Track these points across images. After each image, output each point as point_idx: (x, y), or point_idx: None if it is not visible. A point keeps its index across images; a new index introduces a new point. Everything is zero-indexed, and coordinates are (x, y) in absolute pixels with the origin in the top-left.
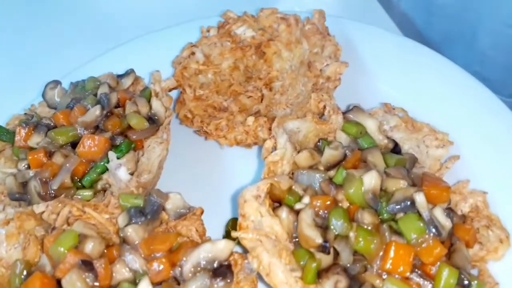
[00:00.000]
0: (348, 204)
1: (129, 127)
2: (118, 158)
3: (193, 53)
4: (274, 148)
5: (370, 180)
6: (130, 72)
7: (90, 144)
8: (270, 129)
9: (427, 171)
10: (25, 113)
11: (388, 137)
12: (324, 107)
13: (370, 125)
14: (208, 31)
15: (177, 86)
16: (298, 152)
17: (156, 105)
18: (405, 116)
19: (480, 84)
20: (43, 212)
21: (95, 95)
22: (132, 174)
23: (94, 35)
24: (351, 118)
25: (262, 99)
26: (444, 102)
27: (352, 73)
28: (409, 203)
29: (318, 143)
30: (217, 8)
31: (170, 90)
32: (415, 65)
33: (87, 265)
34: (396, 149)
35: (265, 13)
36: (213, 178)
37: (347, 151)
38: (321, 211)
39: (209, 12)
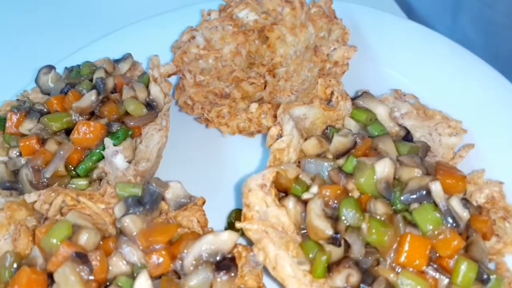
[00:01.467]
0: (359, 194)
1: (126, 114)
2: (114, 145)
3: (193, 37)
4: (280, 135)
5: (383, 169)
6: (127, 56)
7: (85, 131)
8: (274, 116)
9: (440, 160)
10: (17, 99)
11: (399, 125)
12: (332, 93)
13: (381, 112)
14: (209, 14)
15: (176, 72)
16: (305, 139)
17: (155, 90)
18: (416, 102)
19: (493, 70)
20: (35, 202)
21: (91, 80)
22: (129, 162)
23: (90, 19)
24: (360, 105)
25: (265, 86)
26: (456, 88)
27: (359, 58)
28: (424, 192)
29: (326, 130)
30: None
31: (169, 76)
32: (425, 50)
33: (81, 257)
34: (408, 137)
35: None
36: (214, 167)
37: (357, 138)
38: (330, 201)
39: None
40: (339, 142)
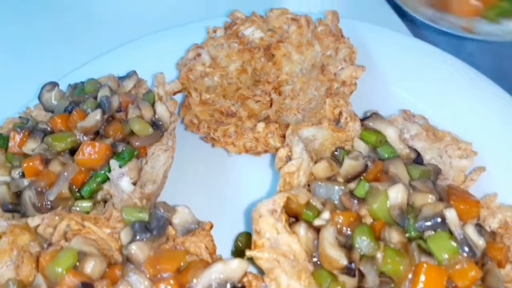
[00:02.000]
0: (371, 220)
1: (132, 133)
2: (120, 166)
3: (198, 55)
4: (288, 157)
5: (396, 194)
6: (132, 74)
7: (90, 151)
8: (282, 136)
9: (451, 184)
10: (20, 117)
11: (409, 147)
12: (340, 113)
13: (390, 134)
14: (214, 31)
15: (182, 90)
16: (315, 162)
17: (161, 109)
18: (425, 124)
19: (502, 91)
20: (38, 226)
21: (95, 98)
22: (135, 183)
23: (94, 35)
24: (369, 126)
25: (271, 104)
26: (464, 108)
27: (366, 77)
28: (439, 220)
29: (336, 152)
30: (223, 9)
31: (174, 94)
32: (433, 70)
33: (87, 287)
34: (418, 159)
35: (274, 13)
36: (220, 187)
37: (368, 161)
38: (344, 228)
39: (215, 13)
40: (350, 165)
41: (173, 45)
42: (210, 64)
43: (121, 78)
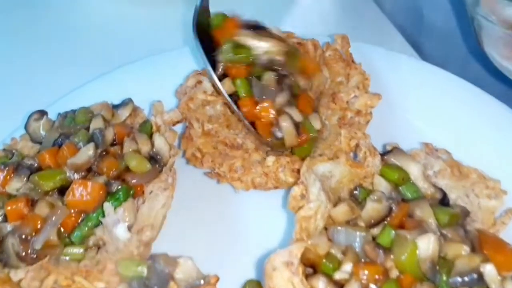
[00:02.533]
0: (398, 273)
1: (128, 169)
2: (115, 208)
3: (199, 82)
4: (302, 195)
5: (427, 246)
6: (127, 102)
7: (82, 192)
8: (293, 170)
9: (481, 228)
10: (4, 149)
11: (434, 185)
12: (357, 145)
13: (414, 171)
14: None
15: (181, 119)
16: (334, 203)
17: (159, 142)
18: (449, 159)
19: None
20: (22, 279)
21: (88, 129)
22: (131, 227)
23: (87, 58)
24: (390, 161)
25: None
26: (490, 143)
27: (379, 106)
28: (475, 275)
29: (355, 191)
30: None
31: (174, 124)
32: (451, 98)
33: None
34: (444, 200)
35: None
36: (226, 230)
37: (392, 204)
38: (370, 284)
39: None
40: (373, 209)
41: (172, 70)
42: (212, 92)
43: (116, 106)
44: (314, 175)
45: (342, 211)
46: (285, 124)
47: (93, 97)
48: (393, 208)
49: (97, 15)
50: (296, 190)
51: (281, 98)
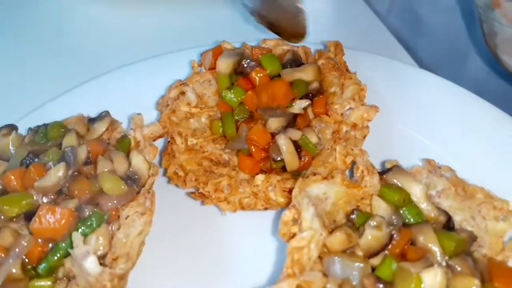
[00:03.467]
0: None
1: (102, 191)
2: (86, 235)
3: (182, 93)
4: (294, 220)
5: (433, 281)
6: (104, 115)
7: (49, 219)
8: (285, 190)
9: (489, 255)
10: None
11: (438, 207)
12: (353, 162)
13: (416, 191)
14: (200, 65)
15: (163, 134)
16: (330, 230)
17: (137, 161)
18: (453, 177)
19: None
20: None
21: (60, 145)
22: (104, 255)
23: (62, 67)
24: (390, 181)
25: None
26: (496, 158)
27: (375, 119)
28: None
29: (352, 215)
30: (209, 38)
31: (155, 139)
32: (455, 111)
33: None
34: (449, 223)
35: (268, 44)
36: (211, 259)
37: (393, 230)
38: None
39: (200, 42)
40: (372, 237)
41: (152, 80)
42: (196, 104)
43: (92, 120)
44: (307, 198)
45: (338, 240)
46: (284, 145)
47: (67, 110)
48: (394, 235)
49: (72, 20)
50: (288, 215)
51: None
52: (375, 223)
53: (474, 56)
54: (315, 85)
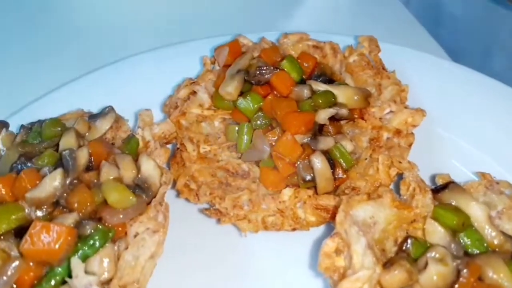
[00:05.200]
0: None
1: (106, 203)
2: (87, 256)
3: (193, 93)
4: (338, 251)
5: None
6: (108, 111)
7: (44, 239)
8: (317, 207)
9: None
10: None
11: (504, 233)
12: (398, 175)
13: (477, 214)
14: (212, 62)
15: (171, 139)
16: (384, 264)
17: (147, 167)
18: None
19: None
20: None
21: (57, 147)
22: (110, 280)
23: (61, 57)
24: (446, 200)
25: None
26: None
27: None
28: None
29: (406, 244)
30: (223, 27)
31: (168, 141)
32: (505, 114)
33: None
34: None
35: (290, 39)
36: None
37: (460, 265)
38: None
39: (213, 31)
40: (437, 273)
41: (158, 77)
42: (209, 105)
43: (94, 117)
44: (355, 226)
45: (397, 279)
46: (319, 163)
47: (66, 105)
48: (462, 270)
49: (73, 7)
50: (330, 245)
51: None
52: (437, 255)
53: (497, 51)
54: (343, 111)
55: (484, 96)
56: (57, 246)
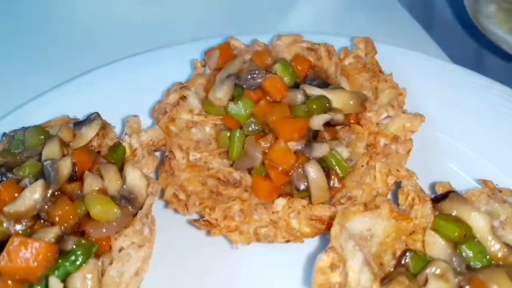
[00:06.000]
0: None
1: (89, 216)
2: (68, 273)
3: (183, 98)
4: (333, 266)
5: None
6: (94, 117)
7: (23, 255)
8: (311, 219)
9: None
10: None
11: (506, 244)
12: (396, 183)
13: (479, 225)
14: (203, 65)
15: (160, 147)
16: (382, 280)
17: (133, 177)
18: None
19: None
20: None
21: (40, 156)
22: None
23: (47, 61)
24: (447, 211)
25: None
26: None
27: None
28: None
29: (405, 258)
30: (213, 29)
31: (156, 148)
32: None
33: None
34: None
35: (284, 41)
36: None
37: (462, 281)
38: None
39: (203, 33)
40: None
41: (146, 81)
42: (199, 111)
43: (79, 124)
44: (352, 240)
45: None
46: (313, 172)
47: (51, 112)
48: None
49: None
50: (325, 260)
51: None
52: (438, 270)
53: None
54: (339, 116)
55: (485, 99)
56: (35, 263)
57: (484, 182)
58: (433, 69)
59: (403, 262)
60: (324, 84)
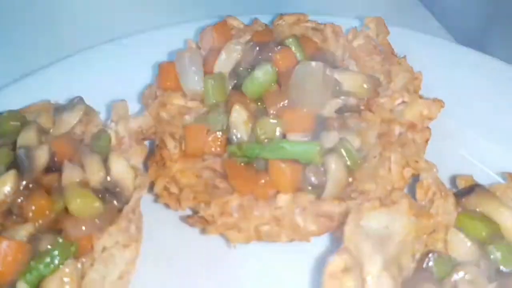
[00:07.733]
0: None
1: (67, 212)
2: (42, 277)
3: None
4: (346, 270)
5: None
6: (77, 102)
7: None
8: (318, 214)
9: None
10: None
11: None
12: (413, 176)
13: (507, 222)
14: (199, 47)
15: (150, 135)
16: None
17: (119, 167)
18: None
19: None
20: None
21: (14, 145)
22: None
23: (30, 43)
24: (471, 207)
25: None
26: None
27: None
28: None
29: (428, 261)
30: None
31: (145, 137)
32: None
33: None
34: None
35: (286, 21)
36: None
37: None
38: None
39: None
40: None
41: (140, 60)
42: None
43: (60, 109)
44: (369, 241)
45: None
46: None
47: (30, 96)
48: None
49: None
50: (336, 263)
51: None
52: (467, 275)
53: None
54: (352, 101)
55: (505, 86)
56: (5, 264)
57: (510, 176)
58: (447, 53)
59: (425, 265)
60: (333, 66)
